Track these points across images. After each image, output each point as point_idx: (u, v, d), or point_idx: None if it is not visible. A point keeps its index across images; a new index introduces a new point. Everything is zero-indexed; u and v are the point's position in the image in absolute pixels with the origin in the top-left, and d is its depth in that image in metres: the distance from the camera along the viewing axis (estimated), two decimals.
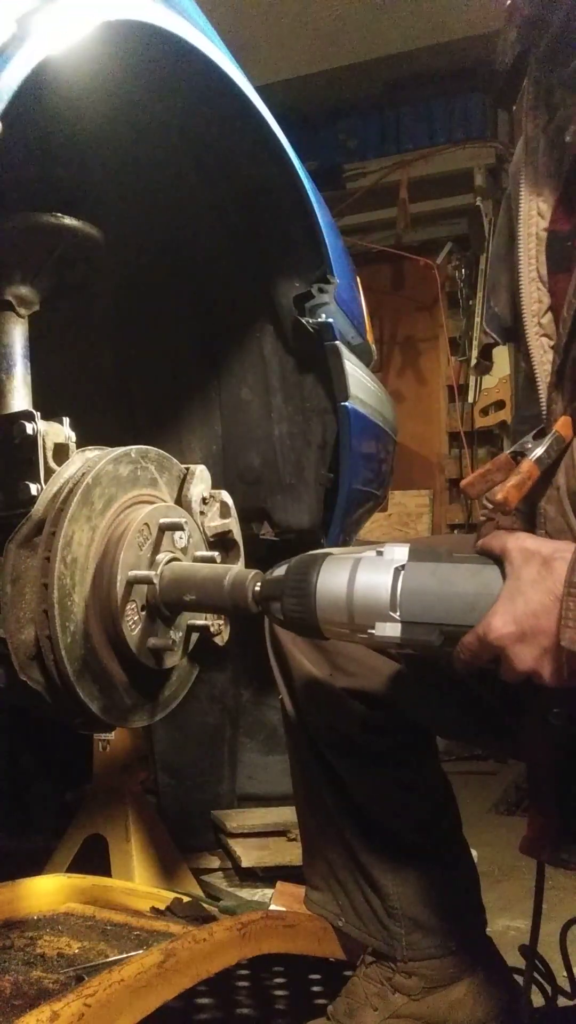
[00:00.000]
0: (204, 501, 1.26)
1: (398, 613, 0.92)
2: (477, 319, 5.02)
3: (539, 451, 1.06)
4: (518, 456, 1.08)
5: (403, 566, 0.94)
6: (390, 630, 0.93)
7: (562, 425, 1.07)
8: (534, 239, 1.14)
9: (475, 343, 5.08)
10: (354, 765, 1.25)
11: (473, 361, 5.18)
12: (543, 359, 1.12)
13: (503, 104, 1.36)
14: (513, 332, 1.22)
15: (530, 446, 1.08)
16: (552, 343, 1.13)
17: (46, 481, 1.08)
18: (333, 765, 1.26)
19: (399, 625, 0.93)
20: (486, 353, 1.37)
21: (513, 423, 1.39)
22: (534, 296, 1.13)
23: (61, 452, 1.10)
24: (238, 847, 1.97)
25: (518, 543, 0.91)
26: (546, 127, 1.13)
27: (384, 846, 1.24)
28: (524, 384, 1.30)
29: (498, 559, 0.92)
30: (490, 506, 1.08)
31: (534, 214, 1.14)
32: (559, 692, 1.00)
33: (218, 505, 1.28)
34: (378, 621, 0.93)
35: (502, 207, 1.33)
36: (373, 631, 0.94)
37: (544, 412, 1.10)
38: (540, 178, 1.13)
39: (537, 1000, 1.27)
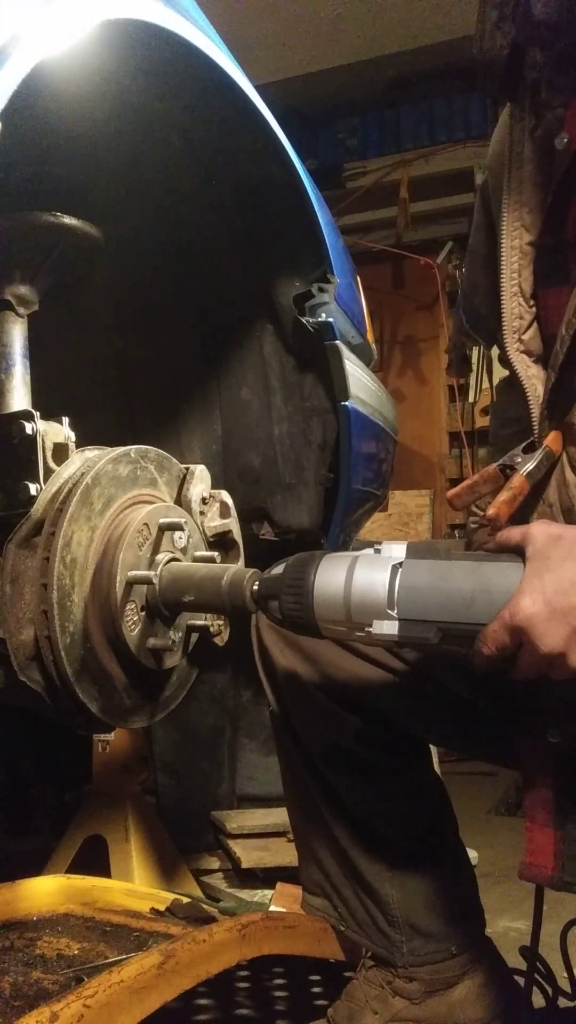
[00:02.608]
0: (204, 501, 1.25)
1: (395, 611, 0.92)
2: None
3: (530, 466, 1.05)
4: (507, 469, 1.07)
5: (400, 563, 0.93)
6: (387, 628, 0.92)
7: (552, 440, 1.06)
8: (517, 252, 1.11)
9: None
10: (347, 776, 1.24)
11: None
12: (528, 373, 1.10)
13: (504, 96, 1.27)
14: (496, 338, 1.20)
15: (520, 460, 1.06)
16: (534, 359, 1.12)
17: (45, 481, 1.07)
18: (325, 775, 1.25)
19: (396, 623, 0.92)
20: (465, 357, 1.37)
21: (493, 426, 1.37)
22: (515, 312, 1.11)
23: (60, 452, 1.10)
24: (238, 848, 1.97)
25: (542, 527, 0.90)
26: (532, 131, 1.09)
27: (381, 854, 1.24)
28: (503, 387, 1.29)
29: (517, 548, 0.90)
30: (480, 513, 1.08)
31: (518, 226, 1.11)
32: (559, 711, 0.99)
33: (218, 505, 1.28)
34: (375, 619, 0.92)
35: (476, 200, 1.29)
36: (371, 629, 0.93)
37: (535, 427, 1.08)
38: (525, 188, 1.10)
39: (537, 1001, 1.27)
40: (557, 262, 1.08)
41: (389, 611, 0.92)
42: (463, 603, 0.90)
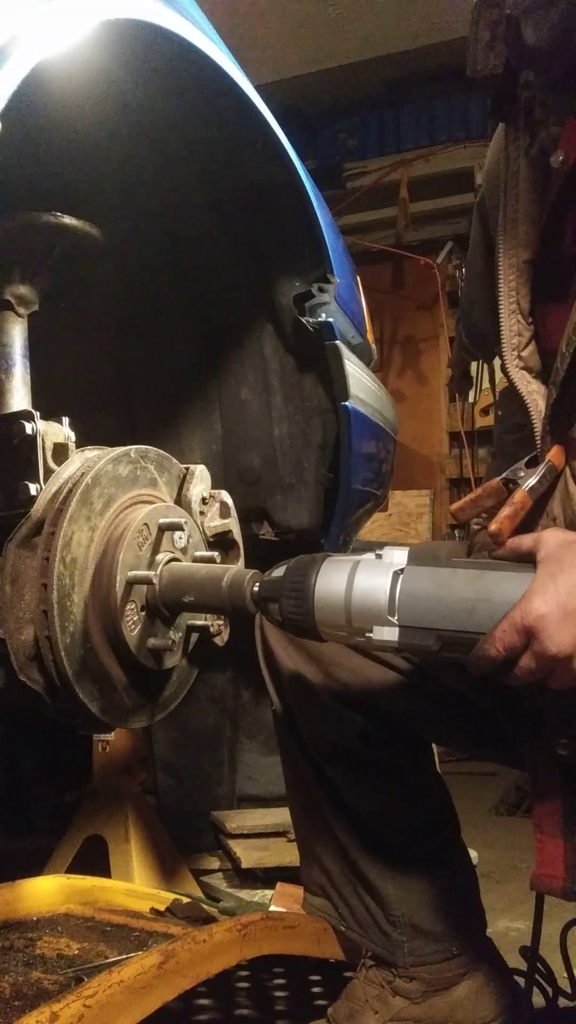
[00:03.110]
0: (204, 501, 1.25)
1: (396, 617, 0.92)
2: None
3: (532, 480, 1.05)
4: (510, 484, 1.07)
5: (402, 570, 0.93)
6: (387, 634, 0.92)
7: (554, 455, 1.06)
8: (515, 270, 1.11)
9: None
10: (351, 775, 1.23)
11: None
12: (528, 389, 1.11)
13: (500, 113, 1.27)
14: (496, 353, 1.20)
15: (522, 475, 1.07)
16: (534, 375, 1.12)
17: (45, 481, 1.07)
18: (328, 774, 1.25)
19: (397, 629, 0.92)
20: (466, 373, 1.37)
21: (498, 431, 1.37)
22: (514, 330, 1.11)
23: (60, 452, 1.10)
24: (238, 848, 1.97)
25: (555, 533, 0.91)
26: (528, 149, 1.09)
27: (383, 854, 1.24)
28: (507, 393, 1.29)
29: (528, 554, 0.90)
30: (484, 515, 1.08)
31: (514, 244, 1.11)
32: (567, 722, 0.99)
33: (218, 505, 1.28)
34: (376, 625, 0.93)
35: (474, 216, 1.30)
36: (371, 635, 0.93)
37: (538, 441, 1.08)
38: (521, 205, 1.10)
39: (538, 1001, 1.27)
40: (555, 279, 1.08)
41: (390, 617, 0.92)
42: (464, 612, 0.90)
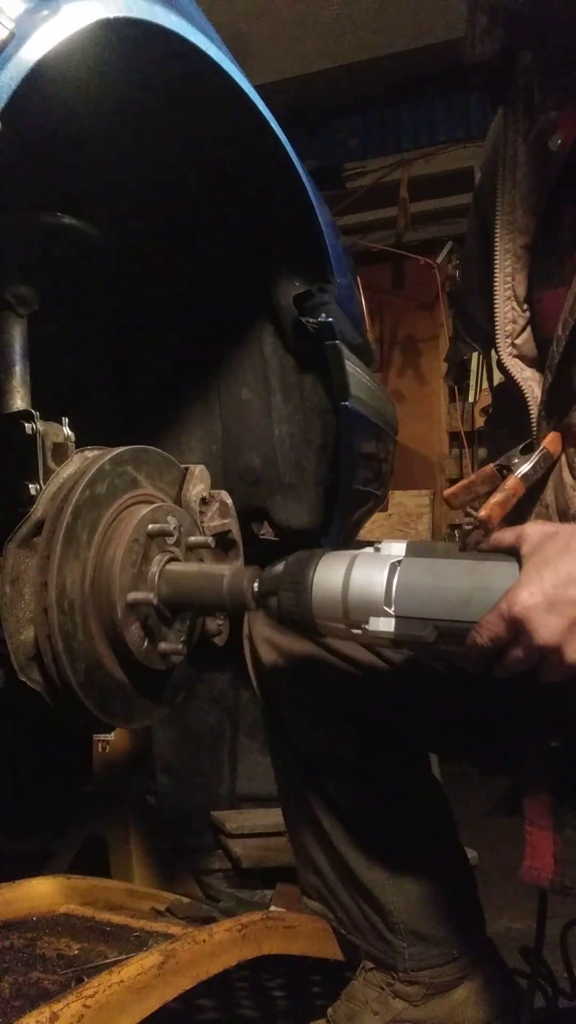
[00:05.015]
0: (203, 501, 1.25)
1: (392, 608, 0.92)
2: None
3: (526, 467, 1.04)
4: (503, 470, 1.07)
5: (399, 561, 0.94)
6: (383, 625, 0.92)
7: (550, 441, 1.06)
8: (511, 256, 1.10)
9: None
10: (344, 782, 1.23)
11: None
12: (523, 376, 1.10)
13: (498, 98, 1.27)
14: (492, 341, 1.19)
15: (516, 461, 1.06)
16: (528, 362, 1.11)
17: (45, 481, 1.07)
18: (321, 780, 1.25)
19: (393, 620, 0.92)
20: (463, 364, 1.35)
21: (488, 428, 1.37)
22: (508, 316, 1.11)
23: (60, 452, 1.10)
24: (238, 848, 1.97)
25: (536, 526, 0.90)
26: (527, 134, 1.09)
27: (380, 860, 1.23)
28: (499, 392, 1.28)
29: (511, 549, 0.90)
30: (474, 514, 1.08)
31: (511, 229, 1.10)
32: (558, 714, 0.98)
33: (217, 505, 1.28)
34: (372, 616, 0.93)
35: (472, 204, 1.29)
36: (367, 626, 0.93)
37: (534, 428, 1.08)
38: (519, 190, 1.09)
39: (537, 1001, 1.27)
40: (552, 265, 1.08)
41: (386, 608, 0.92)
42: (460, 601, 0.90)
